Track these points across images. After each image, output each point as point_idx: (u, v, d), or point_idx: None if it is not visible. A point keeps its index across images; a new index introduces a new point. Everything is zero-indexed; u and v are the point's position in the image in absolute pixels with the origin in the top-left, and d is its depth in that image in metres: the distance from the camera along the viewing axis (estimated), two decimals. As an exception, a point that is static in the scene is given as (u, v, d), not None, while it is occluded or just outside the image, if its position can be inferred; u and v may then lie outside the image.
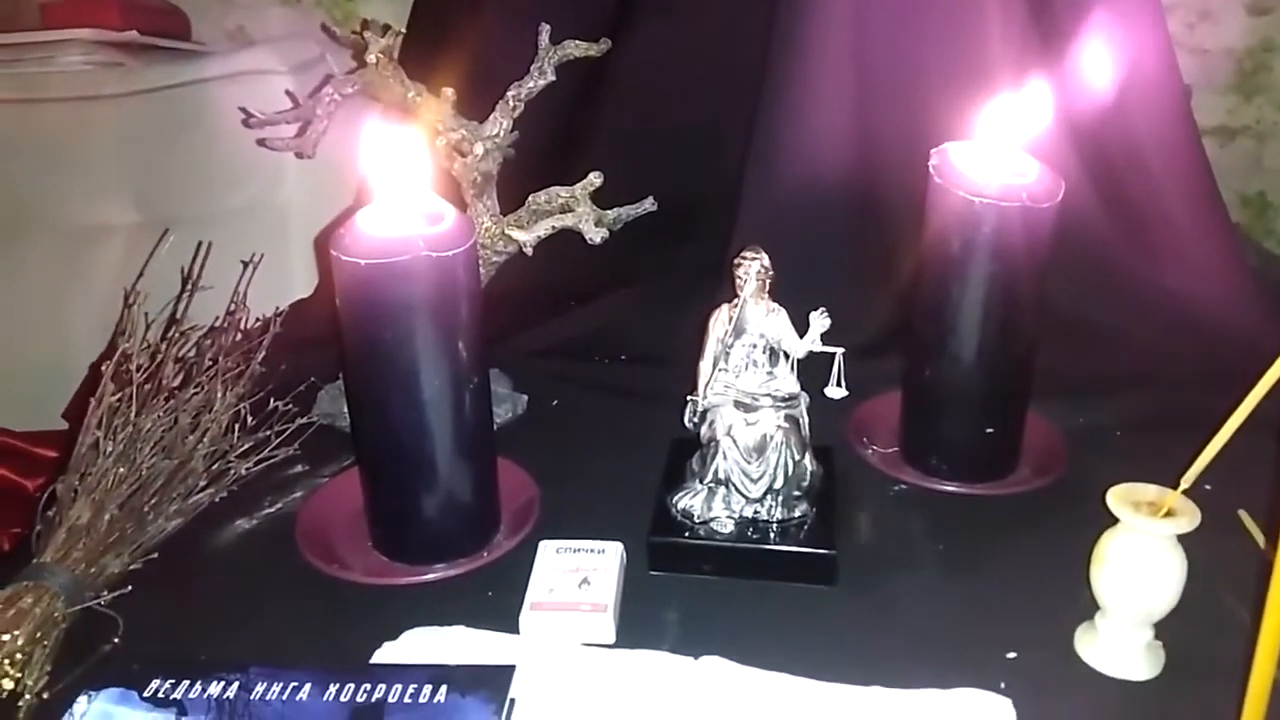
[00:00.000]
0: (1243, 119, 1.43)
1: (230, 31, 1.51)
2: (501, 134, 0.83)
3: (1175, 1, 1.35)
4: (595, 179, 0.82)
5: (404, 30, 0.84)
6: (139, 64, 1.28)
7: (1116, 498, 0.59)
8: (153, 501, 0.72)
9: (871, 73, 1.03)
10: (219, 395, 0.79)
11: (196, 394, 0.78)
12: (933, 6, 1.02)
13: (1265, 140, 1.44)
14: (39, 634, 0.61)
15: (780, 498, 0.71)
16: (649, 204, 0.87)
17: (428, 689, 0.57)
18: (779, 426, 0.70)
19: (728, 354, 0.71)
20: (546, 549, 0.70)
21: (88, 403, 0.74)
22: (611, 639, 0.64)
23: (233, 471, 0.78)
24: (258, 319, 0.89)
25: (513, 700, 0.57)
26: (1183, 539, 0.59)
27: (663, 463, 0.77)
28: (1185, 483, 0.56)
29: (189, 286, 0.87)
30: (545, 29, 0.86)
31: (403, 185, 0.67)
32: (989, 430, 0.78)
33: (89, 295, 1.21)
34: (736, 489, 0.71)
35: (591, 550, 0.70)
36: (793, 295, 0.71)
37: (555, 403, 0.93)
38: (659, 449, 0.79)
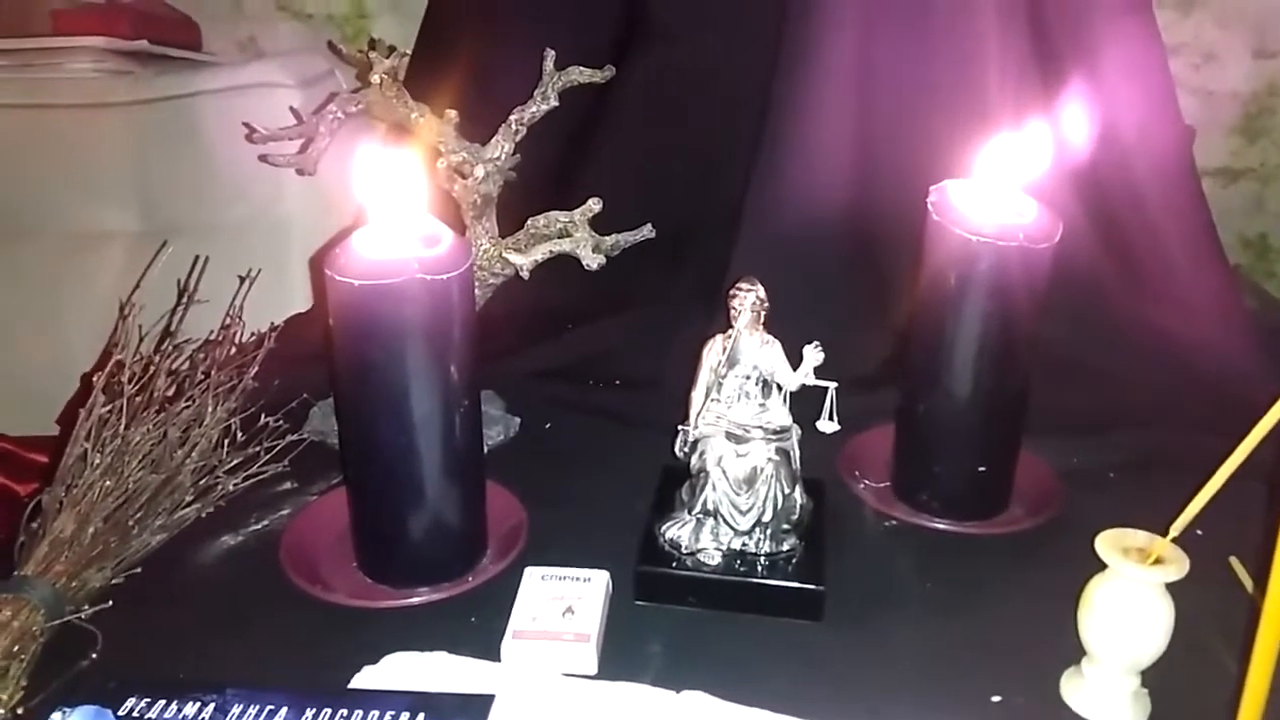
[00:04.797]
0: (1246, 161, 1.44)
1: (241, 42, 1.52)
2: (503, 157, 0.83)
3: (1181, 43, 1.36)
4: (595, 205, 0.82)
5: (409, 51, 0.84)
6: (148, 72, 1.29)
7: (1105, 544, 0.59)
8: (138, 515, 0.71)
9: (873, 108, 1.03)
10: (209, 409, 0.78)
11: (187, 408, 0.78)
12: (936, 43, 1.03)
13: (1268, 183, 1.45)
14: (16, 648, 0.60)
15: (769, 531, 0.71)
16: (647, 231, 0.87)
17: (405, 716, 0.56)
18: (769, 459, 0.70)
19: (720, 385, 0.71)
20: (531, 576, 0.70)
21: (79, 412, 0.73)
22: (594, 670, 0.64)
23: (220, 487, 0.77)
24: (253, 333, 0.89)
25: (491, 730, 0.56)
26: (1171, 585, 0.58)
27: (653, 490, 0.77)
28: (1175, 531, 0.56)
29: (185, 299, 0.87)
30: (550, 54, 0.86)
31: (399, 207, 0.67)
32: (981, 468, 0.78)
33: (89, 300, 1.20)
34: (725, 521, 0.71)
35: (577, 579, 0.69)
36: (788, 328, 0.71)
37: (548, 426, 0.93)
38: (650, 475, 0.78)
